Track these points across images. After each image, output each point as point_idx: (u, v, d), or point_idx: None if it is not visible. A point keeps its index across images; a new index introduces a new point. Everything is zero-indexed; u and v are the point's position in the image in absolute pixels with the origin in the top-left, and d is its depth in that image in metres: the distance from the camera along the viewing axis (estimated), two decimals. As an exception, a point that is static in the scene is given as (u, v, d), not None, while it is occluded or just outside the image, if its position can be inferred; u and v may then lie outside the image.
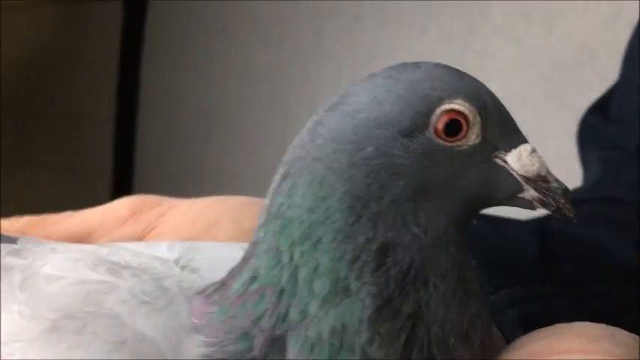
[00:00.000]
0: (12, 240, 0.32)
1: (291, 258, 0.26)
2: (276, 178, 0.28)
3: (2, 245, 0.31)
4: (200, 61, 1.31)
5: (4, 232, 0.36)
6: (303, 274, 0.26)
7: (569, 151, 0.70)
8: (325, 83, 1.18)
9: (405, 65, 0.29)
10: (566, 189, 0.29)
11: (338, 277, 0.26)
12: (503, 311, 0.43)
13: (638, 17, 0.61)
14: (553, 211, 0.29)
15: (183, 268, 0.30)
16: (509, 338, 0.30)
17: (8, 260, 0.29)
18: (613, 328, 0.29)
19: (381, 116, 0.27)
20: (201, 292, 0.28)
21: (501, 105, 0.29)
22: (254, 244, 0.28)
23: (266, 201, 0.28)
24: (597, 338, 0.27)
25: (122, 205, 0.38)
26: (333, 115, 0.28)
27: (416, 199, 0.27)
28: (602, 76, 0.76)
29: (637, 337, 0.28)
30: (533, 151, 0.29)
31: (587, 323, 0.29)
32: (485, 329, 0.28)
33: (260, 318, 0.26)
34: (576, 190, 0.65)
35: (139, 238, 0.37)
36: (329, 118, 0.28)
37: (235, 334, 0.26)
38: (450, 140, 0.27)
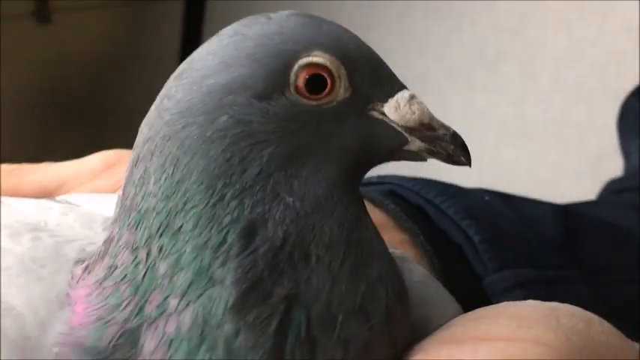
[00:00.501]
0: None
1: (149, 254, 0.24)
2: (128, 165, 0.25)
3: None
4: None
5: None
6: (162, 269, 0.24)
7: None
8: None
9: (254, 18, 0.26)
10: (454, 133, 0.26)
11: (201, 266, 0.23)
12: (507, 292, 0.41)
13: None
14: (444, 160, 0.26)
15: None
16: None
17: None
18: (567, 309, 0.25)
19: (232, 80, 0.24)
20: (84, 261, 0.26)
21: (371, 51, 0.26)
22: (108, 242, 0.25)
23: (119, 192, 0.26)
24: (532, 322, 0.24)
25: (96, 158, 0.37)
26: (180, 85, 0.25)
27: (286, 166, 0.24)
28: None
29: (605, 325, 0.25)
30: (412, 97, 0.26)
31: (532, 302, 0.26)
32: (394, 294, 0.25)
33: (114, 309, 0.24)
34: (618, 180, 0.63)
35: (111, 192, 0.35)
36: (175, 89, 0.25)
37: (92, 318, 0.24)
38: (315, 98, 0.24)
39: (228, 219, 0.24)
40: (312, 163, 0.24)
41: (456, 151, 0.26)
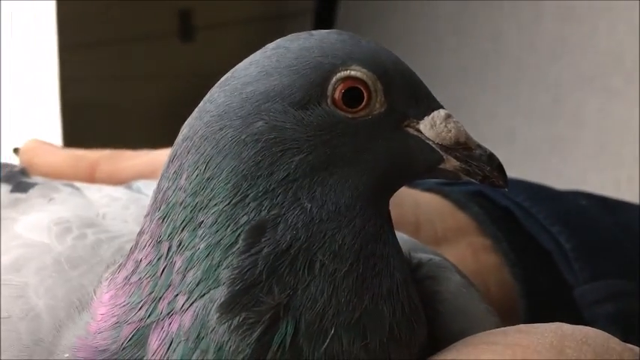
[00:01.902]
0: (23, 188, 0.33)
1: (170, 248, 0.24)
2: (165, 160, 0.26)
3: (8, 196, 0.32)
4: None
5: (85, 160, 0.39)
6: (178, 264, 0.24)
7: None
8: (504, 87, 1.15)
9: (297, 35, 0.26)
10: (490, 154, 0.26)
11: (211, 264, 0.23)
12: (596, 304, 0.38)
13: None
14: (480, 181, 0.26)
15: None
16: None
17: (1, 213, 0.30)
18: (591, 337, 0.23)
19: (270, 88, 0.25)
20: (117, 263, 0.26)
21: (407, 69, 0.26)
22: (139, 234, 0.26)
23: (154, 187, 0.26)
24: (528, 353, 0.22)
25: None
26: (222, 90, 0.26)
27: (313, 174, 0.24)
28: None
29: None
30: (449, 116, 0.26)
31: (549, 327, 0.24)
32: (402, 315, 0.24)
33: (133, 309, 0.24)
34: None
35: None
36: (218, 94, 0.26)
37: (110, 322, 0.24)
38: (351, 111, 0.25)
39: (244, 219, 0.24)
40: (341, 173, 0.25)
41: (493, 173, 0.26)
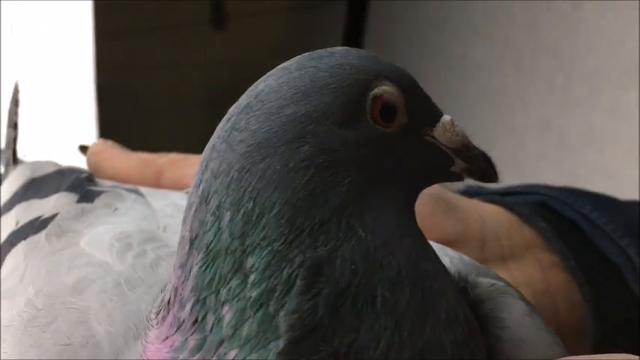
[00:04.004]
0: (89, 198, 0.32)
1: (217, 301, 0.22)
2: (192, 199, 0.24)
3: (74, 206, 0.31)
4: (416, 59, 1.33)
5: (151, 165, 0.38)
6: (227, 317, 0.22)
7: None
8: (540, 77, 1.13)
9: (316, 53, 0.26)
10: (484, 153, 0.27)
11: (266, 314, 0.21)
12: None
13: None
14: (479, 179, 0.27)
15: None
16: None
17: (66, 225, 0.30)
18: None
19: (311, 109, 0.24)
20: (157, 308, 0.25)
21: (415, 81, 0.27)
22: (176, 289, 0.23)
23: (184, 230, 0.24)
24: None
25: None
26: (252, 116, 0.24)
27: (362, 196, 0.23)
28: None
29: None
30: (453, 121, 0.27)
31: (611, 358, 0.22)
32: (462, 339, 0.22)
33: None
34: None
35: None
36: (247, 121, 0.24)
37: None
38: (387, 125, 0.25)
39: (300, 259, 0.22)
40: (385, 191, 0.24)
41: (489, 170, 0.27)
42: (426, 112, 0.27)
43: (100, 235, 0.28)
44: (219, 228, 0.22)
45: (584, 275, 0.38)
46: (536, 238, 0.39)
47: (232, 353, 0.21)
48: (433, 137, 0.26)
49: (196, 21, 1.44)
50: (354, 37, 1.41)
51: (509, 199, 0.42)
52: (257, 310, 0.21)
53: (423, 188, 0.27)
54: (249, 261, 0.22)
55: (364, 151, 0.24)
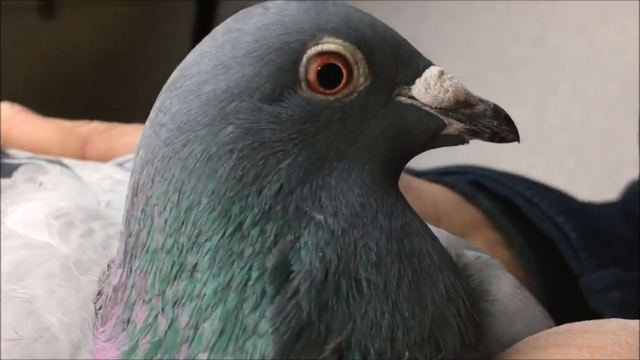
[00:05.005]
0: (6, 172, 0.29)
1: (165, 302, 0.20)
2: (127, 194, 0.22)
3: None
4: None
5: (74, 134, 0.35)
6: (184, 319, 0.20)
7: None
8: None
9: (248, 11, 0.22)
10: (495, 107, 0.23)
11: (227, 311, 0.20)
12: (604, 292, 0.38)
13: None
14: (489, 139, 0.23)
15: None
16: None
17: None
18: None
19: (233, 84, 0.21)
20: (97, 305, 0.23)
21: (387, 29, 0.23)
22: (117, 289, 0.22)
23: (122, 228, 0.22)
24: (612, 353, 0.21)
25: None
26: (174, 95, 0.21)
27: (310, 178, 0.21)
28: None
29: None
30: (442, 73, 0.22)
31: (618, 324, 0.22)
32: (466, 312, 0.21)
33: None
34: None
35: None
36: (170, 101, 0.21)
37: None
38: (331, 92, 0.21)
39: (249, 251, 0.20)
40: (340, 169, 0.21)
41: (501, 127, 0.23)
42: (402, 66, 0.22)
43: (31, 213, 0.25)
44: (151, 226, 0.21)
45: (530, 251, 0.38)
46: (481, 216, 0.39)
47: (203, 355, 0.20)
48: (411, 97, 0.22)
49: (20, 8, 1.33)
50: (205, 26, 1.35)
51: (447, 178, 0.41)
52: (214, 309, 0.20)
53: (409, 158, 0.23)
54: (190, 259, 0.20)
55: (304, 126, 0.21)
